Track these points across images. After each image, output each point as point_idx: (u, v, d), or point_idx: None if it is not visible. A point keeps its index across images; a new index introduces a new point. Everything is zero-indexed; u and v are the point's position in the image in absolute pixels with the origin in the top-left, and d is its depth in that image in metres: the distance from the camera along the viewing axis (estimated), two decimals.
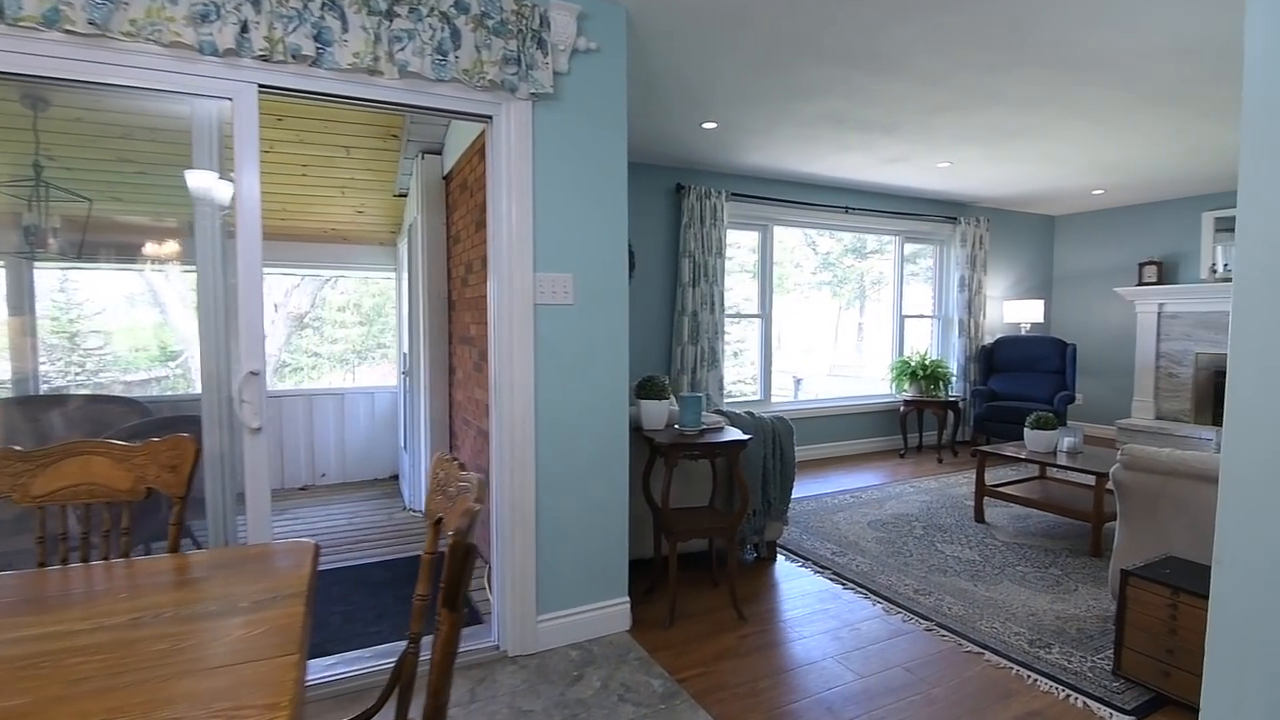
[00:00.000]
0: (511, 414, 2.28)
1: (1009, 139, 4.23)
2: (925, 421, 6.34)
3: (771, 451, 3.11)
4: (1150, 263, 6.43)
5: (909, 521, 3.92)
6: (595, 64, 2.36)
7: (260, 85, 1.98)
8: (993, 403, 5.94)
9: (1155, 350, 6.40)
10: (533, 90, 2.20)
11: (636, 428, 2.82)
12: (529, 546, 2.33)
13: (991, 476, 4.82)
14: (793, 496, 4.46)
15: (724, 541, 2.67)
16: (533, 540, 2.34)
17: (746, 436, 2.59)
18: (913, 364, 5.90)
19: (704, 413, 3.03)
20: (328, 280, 7.07)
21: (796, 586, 2.99)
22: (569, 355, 2.36)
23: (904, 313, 6.43)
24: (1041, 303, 6.70)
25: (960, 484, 4.85)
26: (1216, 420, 5.98)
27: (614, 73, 2.40)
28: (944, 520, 3.94)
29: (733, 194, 5.16)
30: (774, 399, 5.75)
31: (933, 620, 2.63)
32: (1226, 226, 5.97)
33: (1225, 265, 5.95)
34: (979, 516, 3.93)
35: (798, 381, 11.05)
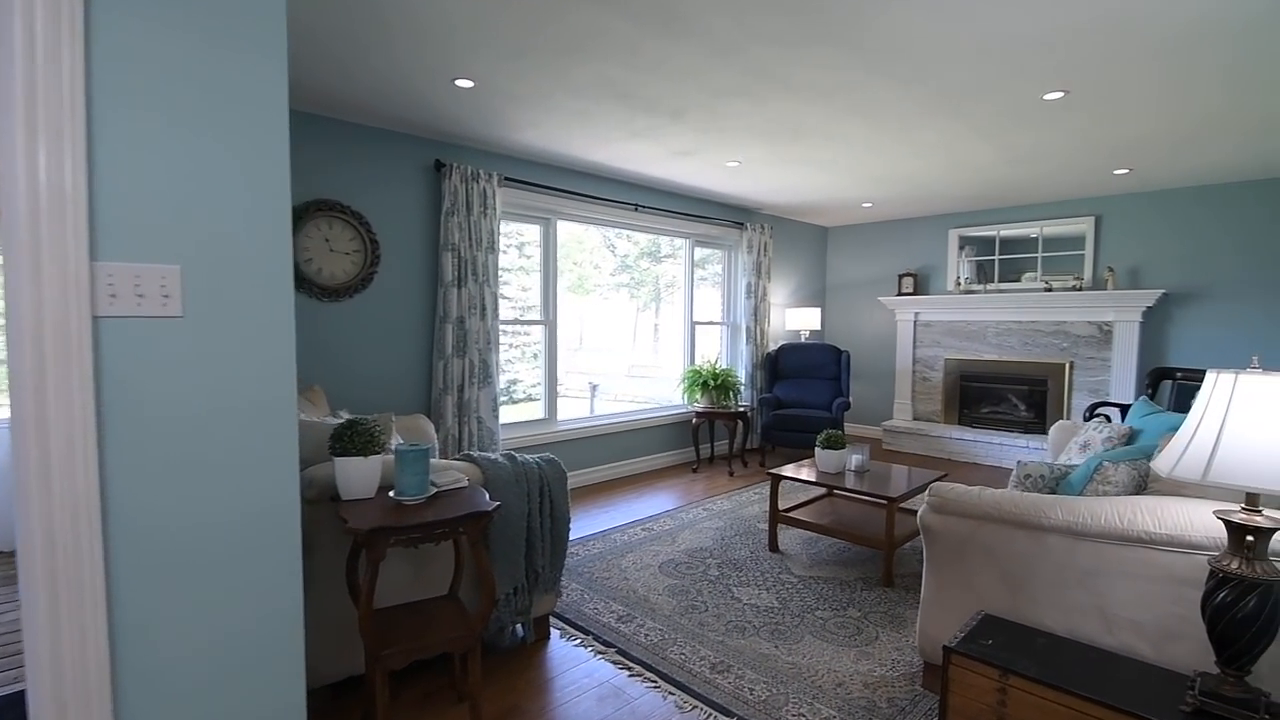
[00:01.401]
0: (49, 515, 1.27)
1: (796, 139, 4.00)
2: (716, 431, 6.14)
3: (539, 507, 2.39)
4: (907, 274, 6.91)
5: (703, 558, 3.47)
6: None
7: None
8: (778, 411, 5.89)
9: (912, 356, 6.89)
10: None
11: (334, 497, 1.92)
12: None
13: (781, 489, 4.65)
14: (579, 536, 3.83)
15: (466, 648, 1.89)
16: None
17: (488, 508, 1.83)
18: (704, 374, 5.62)
19: (447, 460, 2.21)
20: None
21: (572, 681, 2.30)
22: (176, 400, 1.40)
23: (695, 319, 6.16)
24: (818, 310, 6.89)
25: (752, 501, 4.58)
26: (963, 420, 6.56)
27: None
28: (739, 552, 3.56)
29: (508, 178, 4.38)
30: (562, 415, 5.08)
31: (735, 715, 2.10)
32: (967, 242, 6.57)
33: (966, 278, 6.54)
34: (773, 545, 3.61)
35: (594, 387, 10.55)
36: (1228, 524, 1.48)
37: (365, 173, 3.82)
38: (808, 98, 3.27)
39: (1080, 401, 5.82)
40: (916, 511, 3.65)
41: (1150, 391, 5.04)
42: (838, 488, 3.39)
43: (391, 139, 3.91)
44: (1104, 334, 5.70)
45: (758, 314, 6.40)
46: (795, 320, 6.78)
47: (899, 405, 6.97)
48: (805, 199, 5.93)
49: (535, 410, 5.02)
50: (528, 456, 2.46)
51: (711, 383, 5.55)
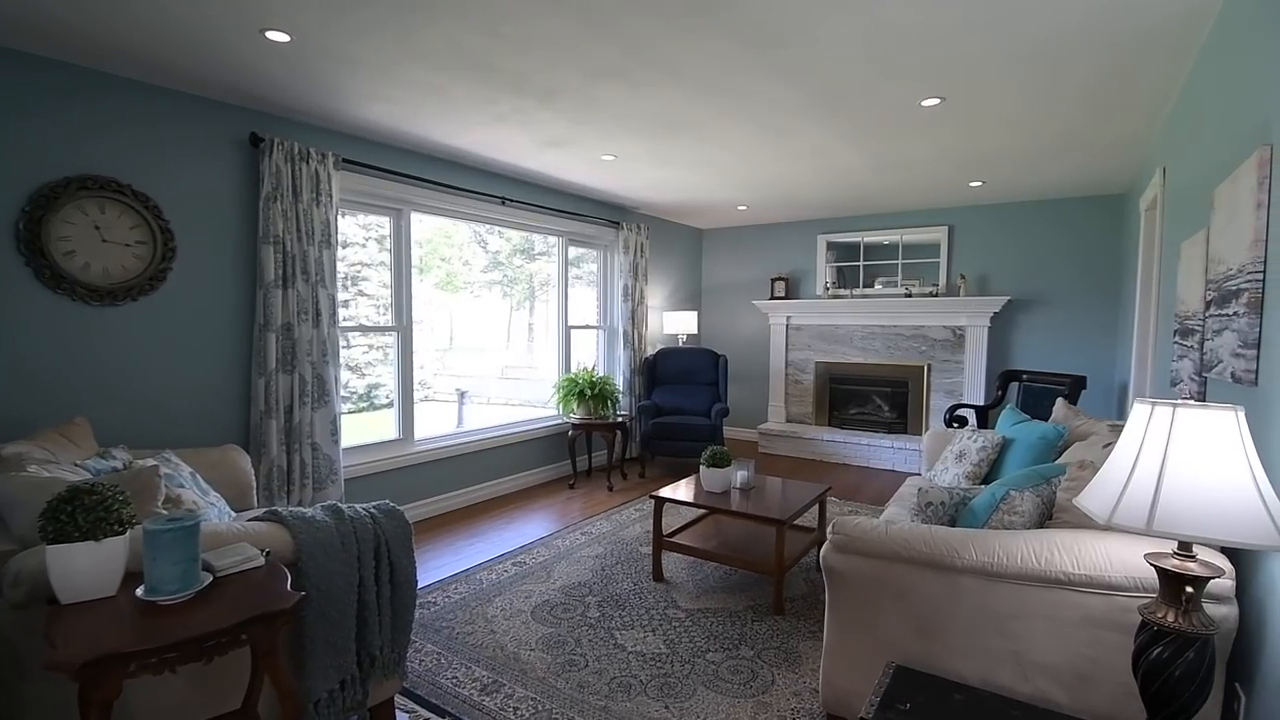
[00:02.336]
0: None
1: (675, 134, 3.74)
2: (594, 442, 5.80)
3: (375, 574, 1.90)
4: (780, 278, 6.95)
5: (582, 596, 3.10)
6: None
7: None
8: (657, 419, 5.65)
9: (785, 359, 6.95)
10: None
11: (50, 599, 1.34)
12: None
13: (665, 507, 4.37)
14: (437, 580, 3.31)
15: None
16: None
17: (286, 603, 1.34)
18: (580, 382, 5.25)
19: (241, 525, 1.67)
20: None
21: None
22: None
23: (570, 323, 5.77)
24: (695, 314, 6.75)
25: (633, 520, 4.28)
26: (833, 421, 6.69)
27: None
28: (621, 585, 3.23)
29: (348, 161, 3.73)
30: (423, 432, 4.48)
31: None
32: (834, 248, 6.71)
33: (833, 283, 6.68)
34: (657, 574, 3.31)
35: (462, 395, 9.80)
36: (1162, 573, 1.35)
37: (153, 144, 3.04)
38: (688, 88, 2.99)
39: (938, 402, 6.12)
40: (805, 529, 3.52)
41: (1000, 392, 5.35)
42: (723, 510, 3.15)
43: (190, 104, 3.16)
44: (957, 338, 6.01)
45: (635, 317, 6.13)
46: (673, 324, 6.59)
47: (773, 408, 7.01)
48: (682, 198, 5.74)
49: (389, 426, 4.38)
50: (360, 509, 1.95)
51: (589, 392, 5.20)
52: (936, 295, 6.05)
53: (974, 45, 2.51)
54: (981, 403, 5.75)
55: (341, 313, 3.79)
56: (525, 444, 5.20)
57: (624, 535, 4.00)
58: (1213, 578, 1.30)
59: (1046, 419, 4.27)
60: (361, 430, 4.68)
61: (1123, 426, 3.00)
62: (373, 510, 1.97)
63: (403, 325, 4.28)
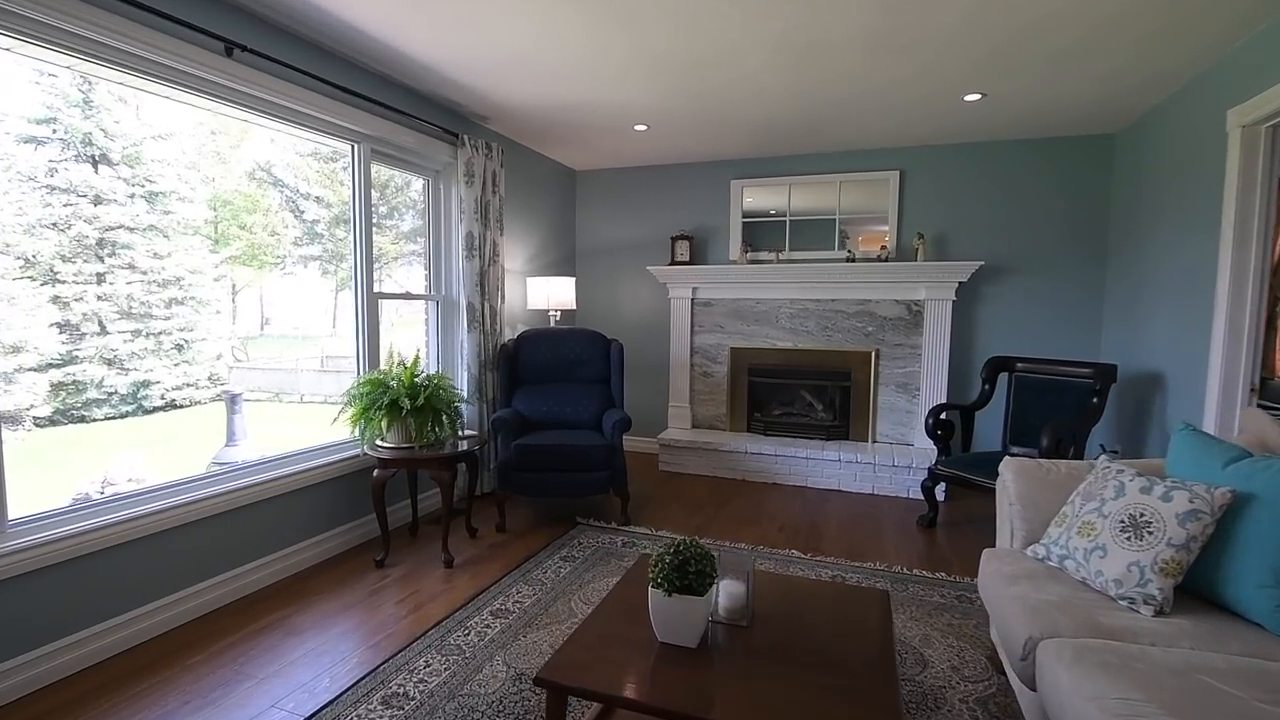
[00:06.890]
0: None
1: None
2: (421, 479, 3.69)
3: None
4: (682, 237, 5.22)
5: None
6: None
7: None
8: (522, 438, 3.67)
9: (690, 344, 5.26)
10: None
11: None
12: None
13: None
14: None
15: None
16: None
17: None
18: (394, 387, 3.12)
19: None
20: None
21: None
22: None
23: (378, 288, 3.58)
24: (572, 281, 4.80)
25: (492, 646, 2.31)
26: (752, 426, 5.10)
27: None
28: None
29: None
30: (51, 505, 2.16)
31: None
32: (752, 197, 5.09)
33: (752, 246, 5.07)
34: None
35: (234, 400, 6.90)
36: None
37: None
38: None
39: (889, 399, 4.73)
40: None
41: (987, 387, 4.03)
42: (662, 710, 1.28)
43: None
44: (914, 315, 4.65)
45: (485, 283, 4.07)
46: (541, 294, 4.60)
47: (675, 410, 5.29)
48: (555, 99, 3.75)
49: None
50: None
51: (408, 404, 3.08)
52: (887, 260, 4.64)
53: None
54: (964, 401, 4.44)
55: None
56: (302, 493, 2.99)
57: (474, 694, 2.02)
58: None
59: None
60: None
61: None
62: None
63: None
